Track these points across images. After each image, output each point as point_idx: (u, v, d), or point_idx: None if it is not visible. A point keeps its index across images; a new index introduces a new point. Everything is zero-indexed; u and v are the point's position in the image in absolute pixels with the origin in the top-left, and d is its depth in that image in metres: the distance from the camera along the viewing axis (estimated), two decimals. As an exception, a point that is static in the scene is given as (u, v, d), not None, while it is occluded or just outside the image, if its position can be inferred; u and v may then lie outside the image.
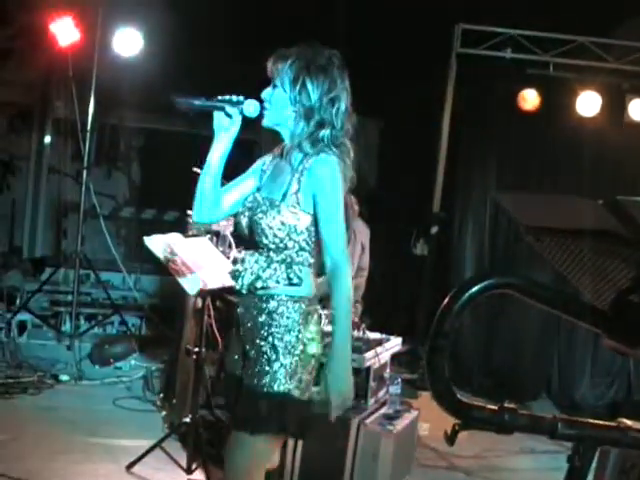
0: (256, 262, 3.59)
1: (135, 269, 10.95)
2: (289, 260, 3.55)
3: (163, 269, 5.52)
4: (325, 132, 3.54)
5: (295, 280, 3.53)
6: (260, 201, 3.62)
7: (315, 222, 3.54)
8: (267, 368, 3.50)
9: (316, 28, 11.93)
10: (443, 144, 9.06)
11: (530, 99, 9.09)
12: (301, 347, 3.54)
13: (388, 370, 6.18)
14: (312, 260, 3.60)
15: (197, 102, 3.59)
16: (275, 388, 3.48)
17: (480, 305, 9.07)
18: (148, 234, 5.52)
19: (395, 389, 6.32)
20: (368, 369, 5.61)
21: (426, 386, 1.88)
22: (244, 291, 3.62)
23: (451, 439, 1.78)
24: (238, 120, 3.61)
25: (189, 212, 6.71)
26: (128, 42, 9.34)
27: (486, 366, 9.39)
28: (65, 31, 8.74)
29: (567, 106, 9.06)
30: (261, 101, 3.61)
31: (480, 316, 9.22)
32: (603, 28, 9.07)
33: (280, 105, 3.59)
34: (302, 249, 3.56)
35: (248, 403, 3.55)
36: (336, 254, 3.48)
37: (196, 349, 5.66)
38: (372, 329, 6.15)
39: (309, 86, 3.53)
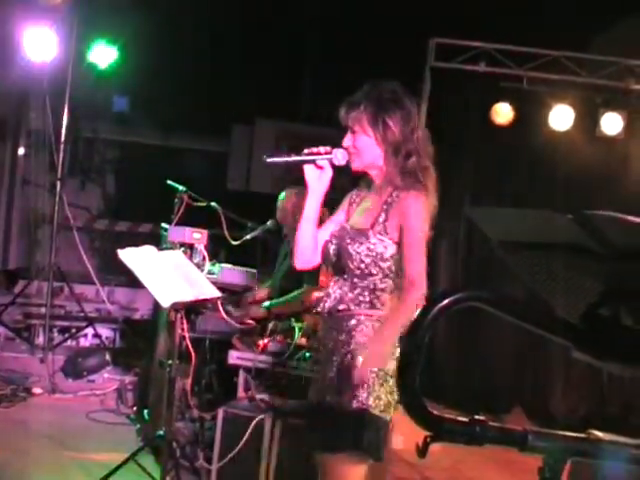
0: (340, 288, 3.70)
1: (109, 281, 10.91)
2: (372, 286, 3.65)
3: (137, 281, 5.51)
4: (412, 160, 3.69)
5: (378, 305, 3.62)
6: (348, 229, 3.75)
7: (400, 251, 3.63)
8: (346, 386, 3.57)
9: (289, 42, 12.04)
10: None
11: (503, 113, 9.14)
12: (392, 381, 3.59)
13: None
14: (394, 287, 3.67)
15: (287, 159, 3.77)
16: (354, 405, 3.53)
17: (455, 319, 9.11)
18: (122, 246, 5.52)
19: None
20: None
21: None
22: (325, 314, 3.75)
23: (422, 452, 1.79)
24: (329, 170, 3.75)
25: (163, 225, 6.74)
26: (103, 54, 9.33)
27: (461, 379, 9.41)
28: (40, 42, 8.72)
29: (540, 120, 9.11)
30: (344, 148, 3.74)
31: (454, 330, 9.25)
32: (576, 43, 9.13)
33: (367, 149, 3.72)
34: (386, 276, 3.65)
35: (328, 421, 3.62)
36: (413, 274, 3.56)
37: (169, 362, 5.65)
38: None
39: (390, 123, 3.67)
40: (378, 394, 3.56)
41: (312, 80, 13.39)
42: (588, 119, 9.11)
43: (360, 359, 3.54)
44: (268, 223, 6.90)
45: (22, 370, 8.46)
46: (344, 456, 3.55)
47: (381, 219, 3.65)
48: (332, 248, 3.75)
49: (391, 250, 3.62)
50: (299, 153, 3.74)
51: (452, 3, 9.39)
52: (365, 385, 3.51)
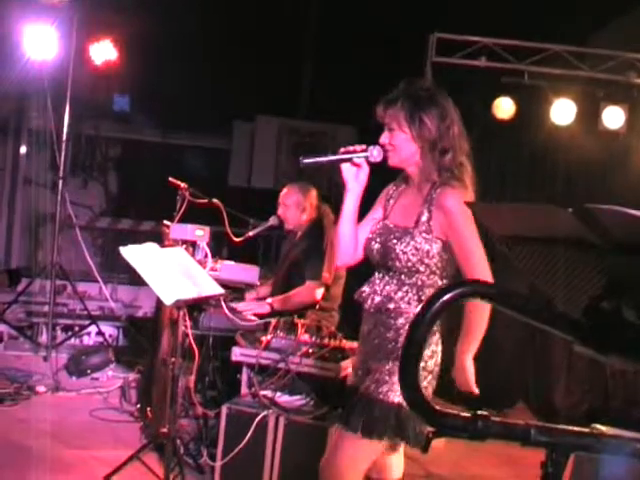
0: (387, 285, 3.77)
1: (112, 279, 10.94)
2: (420, 283, 3.72)
3: (139, 279, 5.51)
4: (448, 157, 3.76)
5: None
6: (392, 228, 3.81)
7: (445, 247, 3.71)
8: (387, 378, 3.67)
9: (288, 39, 12.05)
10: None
11: (505, 107, 9.13)
12: (423, 363, 3.71)
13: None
14: (441, 284, 3.76)
15: (324, 159, 3.83)
16: (391, 397, 3.63)
17: (458, 314, 9.10)
18: (124, 244, 5.52)
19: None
20: (344, 378, 5.62)
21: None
22: (372, 310, 3.80)
23: (425, 447, 1.79)
24: (366, 167, 3.81)
25: (165, 222, 6.74)
26: (103, 52, 9.34)
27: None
28: (40, 41, 8.73)
29: (542, 114, 9.11)
30: (381, 145, 3.79)
31: (457, 324, 9.23)
32: (577, 37, 9.13)
33: (403, 146, 3.78)
34: (433, 273, 3.72)
35: (363, 407, 3.68)
36: (474, 277, 3.66)
37: (173, 359, 5.65)
38: (349, 338, 6.16)
39: (426, 120, 3.73)
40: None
41: (312, 76, 13.40)
42: (590, 113, 9.10)
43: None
44: (270, 220, 6.90)
45: (25, 368, 8.46)
46: (365, 439, 3.65)
47: (424, 218, 3.71)
48: (376, 247, 3.81)
49: (437, 247, 3.69)
50: (335, 153, 3.80)
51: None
52: None
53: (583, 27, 9.27)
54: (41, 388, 7.90)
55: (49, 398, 7.79)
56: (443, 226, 3.67)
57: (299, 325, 5.72)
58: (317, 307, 6.45)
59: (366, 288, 3.84)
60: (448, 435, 1.80)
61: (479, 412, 1.80)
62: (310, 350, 5.50)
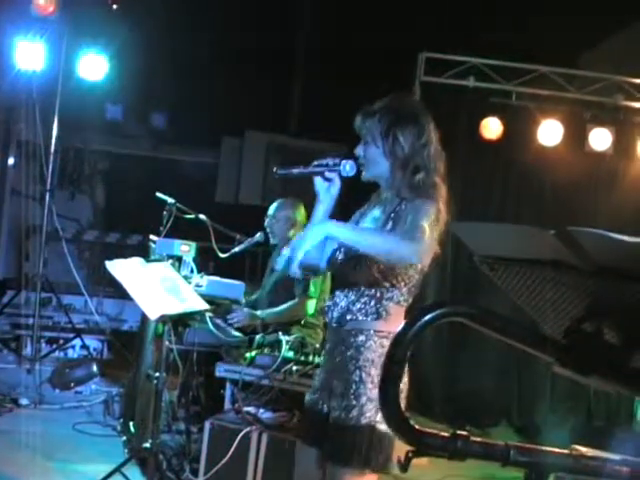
0: (346, 297, 3.69)
1: (97, 293, 10.92)
2: (379, 295, 3.63)
3: (125, 293, 5.50)
4: (420, 176, 3.64)
5: (384, 314, 3.59)
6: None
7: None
8: (354, 402, 3.56)
9: (279, 55, 12.07)
10: (406, 171, 9.09)
11: (493, 128, 9.16)
12: (403, 395, 3.59)
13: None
14: (402, 298, 3.65)
15: (296, 171, 3.77)
16: (362, 421, 3.53)
17: (441, 333, 9.12)
18: (111, 258, 5.53)
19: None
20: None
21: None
22: (334, 324, 3.72)
23: (404, 466, 1.79)
24: (337, 182, 3.74)
25: (151, 236, 6.74)
26: (92, 65, 9.35)
27: (447, 393, 9.41)
28: (30, 53, 8.73)
29: (529, 135, 9.15)
30: (355, 158, 3.74)
31: (441, 343, 9.25)
32: (565, 58, 9.19)
33: (375, 160, 3.71)
34: (393, 286, 3.63)
35: (336, 436, 3.60)
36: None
37: (157, 374, 5.64)
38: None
39: (400, 138, 3.65)
40: None
41: (302, 93, 13.42)
42: (577, 134, 9.15)
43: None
44: (256, 236, 6.91)
45: (9, 381, 8.43)
46: (353, 470, 3.55)
47: (388, 227, 3.63)
48: (340, 257, 3.74)
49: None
50: (308, 165, 3.75)
51: (442, 18, 9.44)
52: (374, 401, 3.51)
53: (571, 49, 9.33)
54: (24, 401, 7.88)
55: (32, 411, 7.77)
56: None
57: (283, 342, 5.72)
58: (302, 323, 6.46)
59: (329, 302, 3.78)
60: (428, 454, 1.81)
61: (458, 432, 1.81)
62: (294, 367, 5.50)
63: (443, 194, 3.68)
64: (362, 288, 3.63)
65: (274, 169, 3.79)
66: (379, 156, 3.69)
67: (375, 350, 3.58)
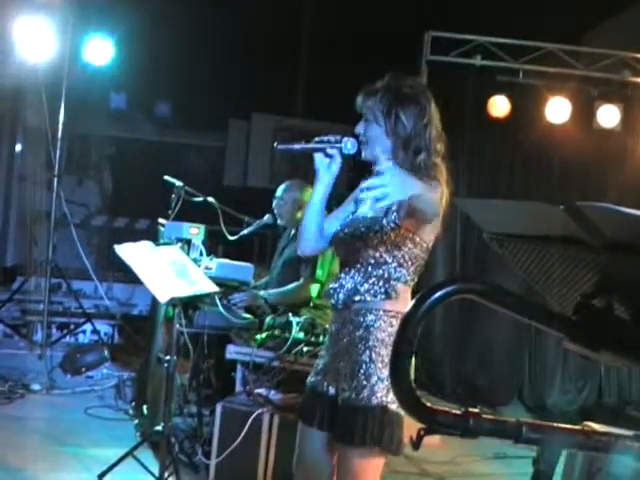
0: (352, 278, 3.65)
1: (107, 277, 10.94)
2: (387, 275, 3.58)
3: (135, 277, 5.51)
4: (421, 157, 3.62)
5: (393, 295, 3.56)
6: (360, 220, 3.71)
7: (414, 241, 3.59)
8: (364, 382, 3.53)
9: (285, 37, 12.04)
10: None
11: (500, 106, 9.14)
12: None
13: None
14: (409, 278, 3.63)
15: (297, 147, 3.71)
16: (373, 402, 3.50)
17: (452, 312, 9.13)
18: (119, 242, 5.52)
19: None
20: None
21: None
22: (340, 306, 3.68)
23: (416, 444, 1.79)
24: (338, 159, 3.68)
25: (160, 220, 6.74)
26: (99, 50, 9.34)
27: (458, 372, 9.42)
28: (35, 38, 8.71)
29: (537, 113, 9.12)
30: (356, 136, 3.69)
31: (452, 323, 9.26)
32: (572, 35, 9.15)
33: (376, 139, 3.67)
34: (400, 265, 3.59)
35: (347, 417, 3.57)
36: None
37: (167, 357, 5.65)
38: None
39: (402, 117, 3.61)
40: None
41: (308, 74, 13.40)
42: (585, 112, 9.13)
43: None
44: (265, 218, 6.91)
45: (20, 367, 8.46)
46: (363, 450, 3.53)
47: (393, 207, 3.58)
48: (343, 239, 3.72)
49: (405, 239, 3.57)
50: (309, 141, 3.69)
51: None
52: (384, 381, 3.50)
53: (578, 26, 9.29)
54: (36, 386, 7.90)
55: (44, 396, 7.79)
56: (410, 213, 3.53)
57: (293, 323, 5.72)
58: (311, 305, 6.46)
59: (334, 284, 3.74)
60: (439, 432, 1.80)
61: (470, 409, 1.80)
62: (304, 348, 5.51)
63: (444, 174, 3.65)
64: (369, 269, 3.60)
65: (275, 144, 3.74)
66: (380, 135, 3.66)
67: (385, 330, 3.55)
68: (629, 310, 1.83)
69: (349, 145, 3.63)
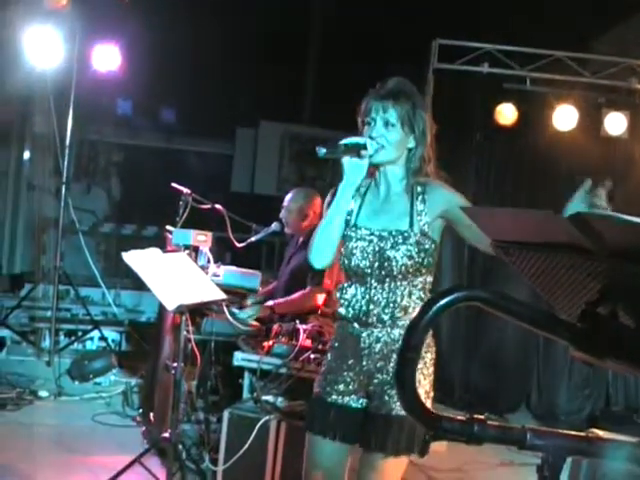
0: (391, 292, 3.54)
1: (115, 285, 10.96)
2: (420, 286, 3.56)
3: (142, 284, 5.52)
4: (429, 165, 3.66)
5: None
6: (382, 233, 3.59)
7: (436, 247, 3.58)
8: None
9: (292, 44, 12.06)
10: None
11: (507, 113, 9.15)
12: (432, 369, 3.63)
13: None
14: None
15: (342, 147, 3.55)
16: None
17: (459, 318, 9.13)
18: (127, 250, 5.53)
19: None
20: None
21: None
22: (379, 324, 3.56)
23: (422, 451, 1.80)
24: (367, 162, 3.58)
25: (168, 227, 6.76)
26: (106, 57, 9.36)
27: (466, 379, 9.42)
28: (43, 46, 8.74)
29: (544, 120, 9.13)
30: (374, 138, 3.58)
31: (459, 330, 9.26)
32: (579, 43, 9.16)
33: (398, 143, 3.59)
34: (430, 272, 3.59)
35: (380, 427, 3.53)
36: None
37: (175, 364, 5.66)
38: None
39: (421, 123, 3.61)
40: (425, 389, 3.59)
41: (315, 82, 13.42)
42: (592, 119, 9.13)
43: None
44: (272, 226, 6.91)
45: (28, 373, 8.48)
46: (396, 459, 3.50)
47: (418, 216, 3.55)
48: (371, 254, 3.58)
49: (433, 246, 3.55)
50: (338, 144, 3.56)
51: (455, 4, 9.41)
52: (420, 388, 3.47)
53: (585, 33, 9.30)
54: (44, 393, 7.92)
55: (52, 403, 7.82)
56: (438, 219, 3.56)
57: (301, 330, 5.73)
58: (319, 312, 6.46)
59: (359, 301, 3.61)
60: (445, 439, 1.81)
61: (475, 416, 1.81)
62: (312, 355, 5.51)
63: (444, 180, 3.69)
64: (404, 282, 3.53)
65: (317, 149, 3.52)
66: (402, 140, 3.59)
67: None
68: (634, 318, 1.84)
69: (371, 147, 3.56)
